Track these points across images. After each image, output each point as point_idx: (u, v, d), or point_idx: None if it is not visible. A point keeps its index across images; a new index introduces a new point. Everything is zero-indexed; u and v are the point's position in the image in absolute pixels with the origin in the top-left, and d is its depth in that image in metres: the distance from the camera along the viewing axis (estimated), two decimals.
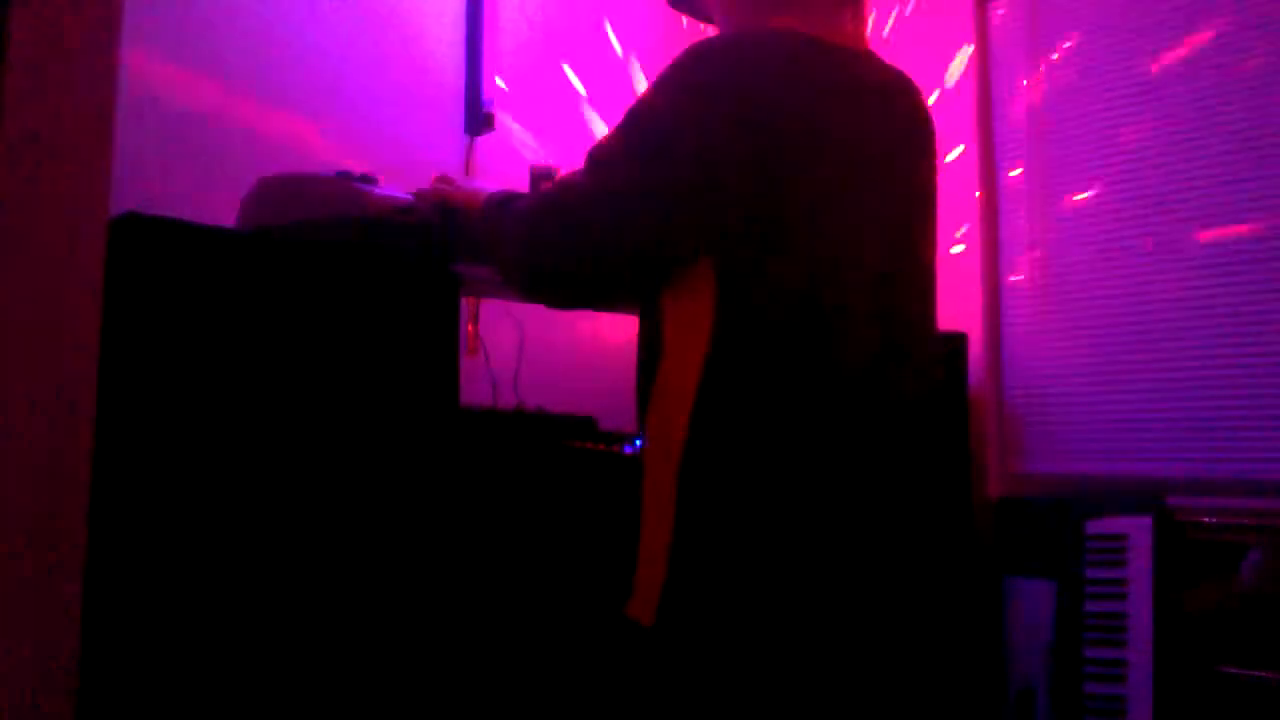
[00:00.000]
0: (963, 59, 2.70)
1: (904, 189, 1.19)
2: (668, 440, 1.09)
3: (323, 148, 2.10)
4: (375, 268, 1.46)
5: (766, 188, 1.05)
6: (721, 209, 1.05)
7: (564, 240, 1.15)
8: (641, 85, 2.73)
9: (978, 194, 2.65)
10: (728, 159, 1.05)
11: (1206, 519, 2.16)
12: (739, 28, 1.21)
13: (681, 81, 1.10)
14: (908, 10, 2.79)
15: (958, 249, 2.66)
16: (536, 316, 2.21)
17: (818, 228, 1.08)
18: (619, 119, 1.15)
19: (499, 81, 2.43)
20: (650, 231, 1.09)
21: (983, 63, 2.70)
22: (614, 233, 1.11)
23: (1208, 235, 2.30)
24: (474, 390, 2.23)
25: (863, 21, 1.23)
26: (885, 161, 1.16)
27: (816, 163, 1.08)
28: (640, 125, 1.12)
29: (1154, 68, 2.40)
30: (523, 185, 1.63)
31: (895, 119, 1.20)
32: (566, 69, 2.62)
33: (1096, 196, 2.49)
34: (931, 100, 2.67)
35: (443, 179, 1.54)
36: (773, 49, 1.10)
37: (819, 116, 1.09)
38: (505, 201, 1.30)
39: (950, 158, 2.68)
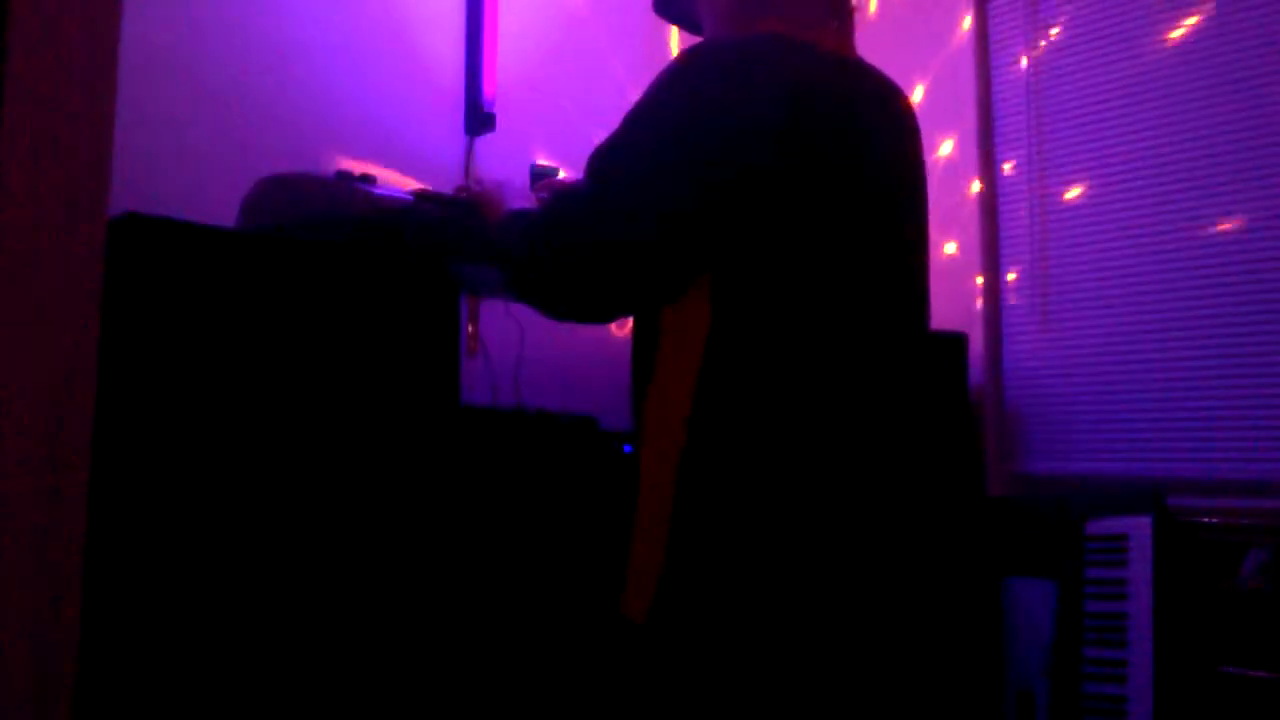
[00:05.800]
0: (961, 55, 2.70)
1: (898, 191, 1.19)
2: (665, 440, 1.09)
3: (322, 148, 2.10)
4: (375, 268, 1.46)
5: (762, 191, 1.05)
6: (717, 215, 1.05)
7: (564, 256, 1.12)
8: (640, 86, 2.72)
9: (977, 191, 2.65)
10: (723, 164, 1.05)
11: (1206, 519, 2.16)
12: (729, 34, 1.20)
13: (677, 86, 1.10)
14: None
15: (957, 249, 2.66)
16: (537, 316, 2.20)
17: (814, 230, 1.08)
18: (618, 123, 1.14)
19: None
20: (648, 244, 1.08)
21: (983, 59, 2.70)
22: (613, 248, 1.09)
23: (1208, 233, 2.30)
24: (474, 390, 2.23)
25: (849, 32, 1.23)
26: (879, 164, 1.16)
27: (812, 165, 1.08)
28: (637, 132, 1.11)
29: (1153, 63, 2.40)
30: (522, 185, 1.63)
31: (887, 123, 1.20)
32: (568, 68, 2.62)
33: (1096, 195, 2.49)
34: (923, 97, 2.68)
35: (497, 185, 1.52)
36: (766, 53, 1.09)
37: (813, 119, 1.09)
38: (519, 216, 1.27)
39: (946, 153, 2.68)
